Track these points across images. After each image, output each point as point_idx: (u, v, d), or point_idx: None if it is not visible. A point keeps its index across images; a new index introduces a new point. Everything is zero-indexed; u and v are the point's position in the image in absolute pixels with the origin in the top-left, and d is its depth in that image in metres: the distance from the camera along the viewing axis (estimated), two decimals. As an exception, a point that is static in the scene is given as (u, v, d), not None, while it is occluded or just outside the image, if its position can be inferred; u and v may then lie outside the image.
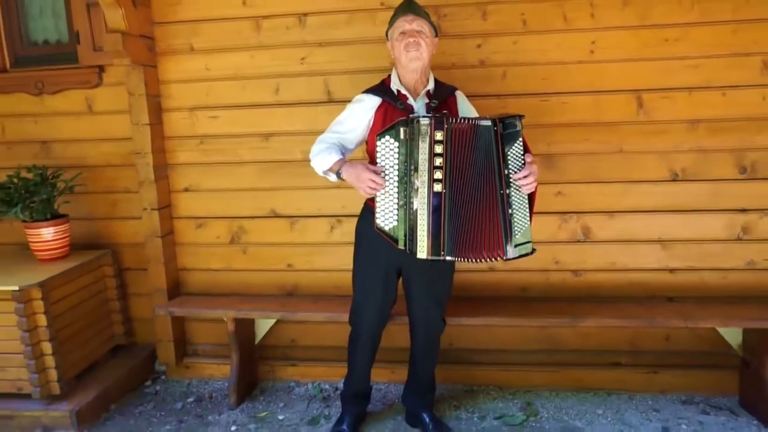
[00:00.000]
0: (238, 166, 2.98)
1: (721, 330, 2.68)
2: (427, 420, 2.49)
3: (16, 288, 2.53)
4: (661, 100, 2.65)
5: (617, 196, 2.74)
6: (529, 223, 2.05)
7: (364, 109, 2.22)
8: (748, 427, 2.50)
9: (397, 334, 2.73)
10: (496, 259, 2.03)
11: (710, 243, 2.73)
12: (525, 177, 2.00)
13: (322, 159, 2.19)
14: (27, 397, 2.67)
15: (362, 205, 2.36)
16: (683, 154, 2.68)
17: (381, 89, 2.23)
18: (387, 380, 2.94)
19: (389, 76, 2.25)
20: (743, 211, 2.68)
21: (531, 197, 2.07)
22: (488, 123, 1.99)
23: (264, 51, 2.86)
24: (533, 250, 2.06)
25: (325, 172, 2.21)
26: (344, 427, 2.50)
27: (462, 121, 2.02)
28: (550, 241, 2.82)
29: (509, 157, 2.00)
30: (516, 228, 2.01)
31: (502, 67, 2.71)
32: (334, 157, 2.17)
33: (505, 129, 1.99)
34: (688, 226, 2.72)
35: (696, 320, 2.54)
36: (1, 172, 3.05)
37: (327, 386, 2.99)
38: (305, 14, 2.80)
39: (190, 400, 2.94)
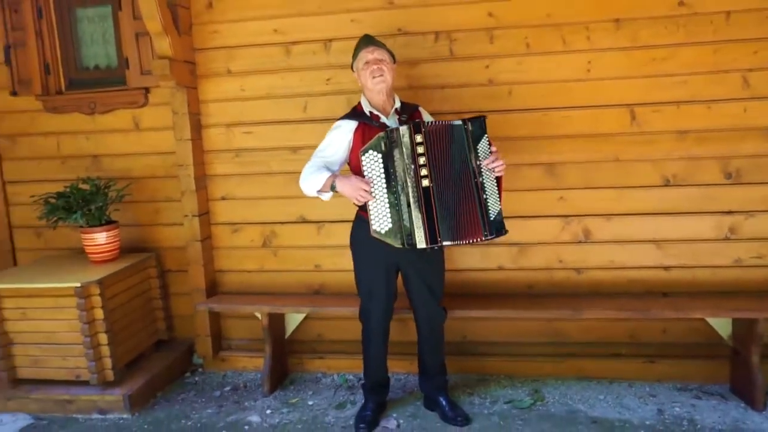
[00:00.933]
0: (270, 176, 3.30)
1: (712, 322, 2.92)
2: (444, 403, 2.76)
3: (78, 284, 2.86)
4: (652, 113, 2.93)
5: (614, 200, 3.01)
6: (500, 206, 2.41)
7: (343, 133, 2.55)
8: (736, 409, 2.74)
9: (413, 328, 3.00)
10: (480, 240, 2.37)
11: (701, 242, 2.99)
12: (494, 161, 2.37)
13: (314, 180, 2.49)
14: (85, 383, 2.99)
15: (354, 216, 2.66)
16: (674, 161, 2.95)
17: (355, 114, 2.57)
18: (406, 371, 3.21)
19: (359, 103, 2.59)
20: (730, 213, 2.95)
21: (499, 184, 2.42)
22: (459, 123, 2.38)
23: (293, 73, 3.19)
24: (506, 231, 2.42)
25: (318, 192, 2.50)
26: (368, 412, 2.77)
27: (436, 123, 2.38)
28: (553, 242, 3.09)
29: (479, 150, 2.36)
30: (491, 211, 2.37)
31: (508, 86, 3.02)
32: (325, 174, 2.48)
33: (474, 127, 2.36)
34: (680, 227, 2.99)
35: (687, 311, 2.80)
36: (57, 184, 3.39)
37: (351, 377, 3.27)
38: (330, 40, 3.14)
39: (227, 388, 3.24)
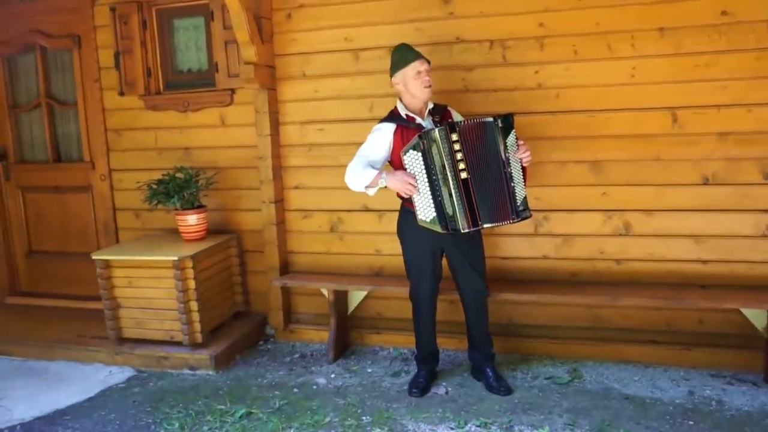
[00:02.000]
0: (338, 169, 3.65)
1: (748, 313, 3.09)
2: (489, 373, 3.08)
3: (176, 258, 3.35)
4: (693, 116, 3.13)
5: (655, 196, 3.23)
6: (525, 193, 2.77)
7: (383, 135, 2.89)
8: (766, 395, 2.92)
9: (461, 309, 3.30)
10: (510, 221, 2.75)
11: (738, 239, 3.16)
12: (524, 152, 2.72)
13: (363, 176, 2.82)
14: (178, 344, 3.48)
15: (399, 208, 3.01)
16: (713, 161, 3.14)
17: (392, 117, 2.91)
18: (455, 348, 3.52)
19: (396, 107, 2.93)
20: (767, 211, 3.11)
21: (525, 175, 2.77)
22: (491, 120, 2.71)
23: (361, 76, 3.57)
24: (530, 215, 2.79)
25: (366, 188, 2.84)
26: (421, 379, 3.13)
27: (469, 121, 2.71)
28: (596, 234, 3.34)
29: (508, 143, 2.69)
30: (517, 197, 2.73)
31: (556, 89, 3.28)
32: (372, 171, 2.82)
33: (503, 123, 2.69)
34: (718, 223, 3.17)
35: (721, 302, 3.00)
36: (154, 172, 3.90)
37: (405, 351, 3.62)
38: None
39: (296, 356, 3.67)
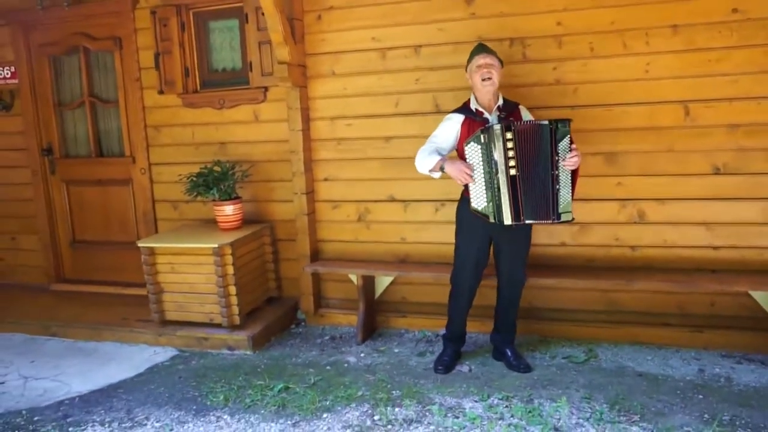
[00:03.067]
0: (365, 161, 3.91)
1: (758, 297, 3.25)
2: (509, 353, 3.28)
3: (216, 245, 3.59)
4: (705, 109, 3.29)
5: (668, 186, 3.39)
6: (570, 197, 2.90)
7: (452, 124, 3.10)
8: (773, 373, 3.09)
9: (488, 295, 3.51)
10: (550, 222, 2.91)
11: (748, 225, 3.32)
12: (572, 157, 2.84)
13: (428, 161, 3.05)
14: (218, 326, 3.73)
15: (459, 195, 3.20)
16: (724, 152, 3.30)
17: (463, 109, 3.11)
18: (477, 330, 3.70)
19: (469, 99, 3.12)
20: (776, 199, 3.27)
21: (574, 179, 2.89)
22: (546, 123, 2.86)
23: (388, 74, 3.78)
24: (572, 219, 2.93)
25: (430, 171, 3.06)
26: (446, 357, 3.33)
27: (525, 122, 2.91)
28: (611, 222, 3.52)
29: (560, 148, 2.83)
30: (561, 200, 2.87)
31: (574, 85, 3.46)
32: (436, 157, 3.03)
33: (558, 127, 2.84)
34: (729, 211, 3.33)
35: (730, 285, 3.18)
36: (191, 166, 4.14)
37: (430, 333, 3.83)
38: (420, 46, 3.69)
39: (326, 338, 3.90)
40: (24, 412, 3.06)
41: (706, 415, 2.66)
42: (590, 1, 3.37)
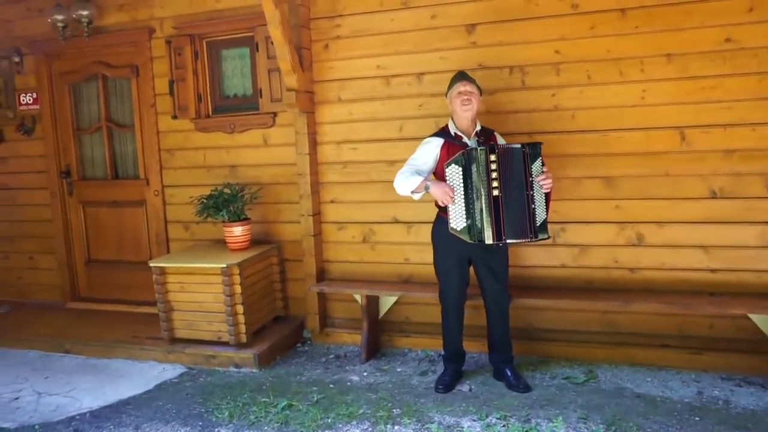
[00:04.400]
0: (370, 184, 4.03)
1: (756, 320, 3.28)
2: (509, 373, 3.34)
3: (224, 265, 3.71)
4: (700, 134, 3.37)
5: (665, 209, 3.46)
6: (545, 216, 3.02)
7: (432, 148, 3.22)
8: (772, 396, 3.11)
9: (483, 314, 3.56)
10: (529, 240, 3.03)
11: (745, 249, 3.37)
12: (545, 179, 2.97)
13: (410, 182, 3.15)
14: (225, 343, 3.83)
15: (435, 217, 3.31)
16: (720, 176, 3.36)
17: (443, 133, 3.24)
18: (479, 351, 3.75)
19: (447, 124, 3.25)
20: (773, 223, 3.32)
21: (548, 200, 3.01)
22: (519, 146, 3.00)
23: (392, 100, 3.91)
24: (548, 237, 3.05)
25: (412, 192, 3.16)
26: (446, 377, 3.40)
27: (504, 146, 3.05)
28: (610, 245, 3.58)
29: (533, 169, 2.96)
30: (537, 219, 2.97)
31: (572, 111, 3.56)
32: (419, 178, 3.14)
33: (531, 150, 2.97)
34: (726, 235, 3.38)
35: (729, 307, 3.22)
36: (203, 188, 4.28)
37: (432, 353, 3.90)
38: (422, 74, 3.83)
39: (331, 356, 3.98)
40: (37, 427, 3.16)
41: (701, 437, 2.70)
42: (587, 30, 3.48)
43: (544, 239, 3.06)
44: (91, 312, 4.81)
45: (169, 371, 3.82)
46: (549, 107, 3.60)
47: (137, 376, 3.78)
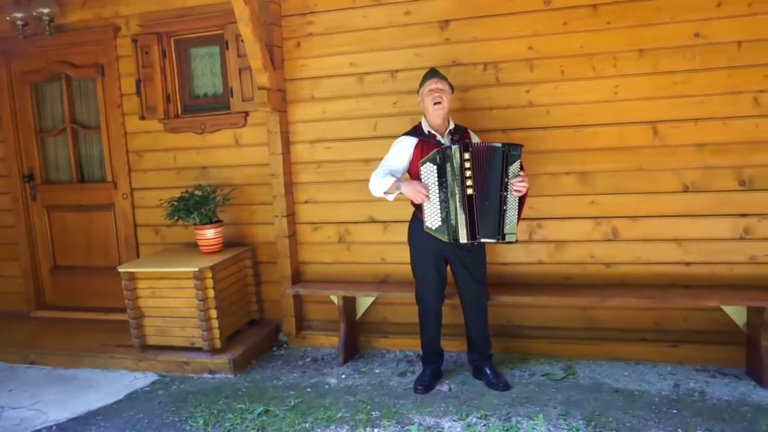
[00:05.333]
0: (345, 184, 3.96)
1: (729, 311, 3.31)
2: (488, 372, 3.31)
3: (196, 269, 3.61)
4: (672, 129, 3.39)
5: (639, 204, 3.48)
6: (516, 219, 3.00)
7: (405, 148, 3.19)
8: (746, 386, 3.13)
9: (461, 313, 3.54)
10: (495, 241, 3.00)
11: (718, 241, 3.41)
12: (520, 182, 2.94)
13: (383, 183, 3.11)
14: (198, 349, 3.73)
15: (411, 216, 3.27)
16: (692, 170, 3.40)
17: (416, 132, 3.20)
18: (458, 350, 3.72)
19: (420, 123, 3.21)
20: (744, 215, 3.35)
21: (521, 204, 2.99)
22: (500, 146, 2.95)
23: (366, 98, 3.86)
24: (516, 241, 3.04)
25: (386, 193, 3.12)
26: (425, 377, 3.36)
27: (480, 144, 2.99)
28: (586, 240, 3.59)
29: (510, 171, 2.92)
30: (507, 221, 2.96)
31: (546, 107, 3.55)
32: (391, 179, 3.10)
33: (510, 151, 2.93)
34: (699, 228, 3.42)
35: (702, 300, 3.25)
36: (173, 190, 4.16)
37: (411, 353, 3.85)
38: (396, 71, 3.78)
39: (308, 359, 3.91)
40: (0, 441, 3.03)
41: (679, 430, 2.71)
42: (560, 26, 3.48)
43: (512, 242, 3.05)
44: (58, 320, 4.65)
45: (141, 380, 3.70)
46: (524, 103, 3.59)
47: (107, 385, 3.65)
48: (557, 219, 3.61)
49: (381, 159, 3.80)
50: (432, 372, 3.39)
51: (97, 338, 4.17)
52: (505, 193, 2.96)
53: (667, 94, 3.38)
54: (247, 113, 4.11)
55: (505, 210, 2.97)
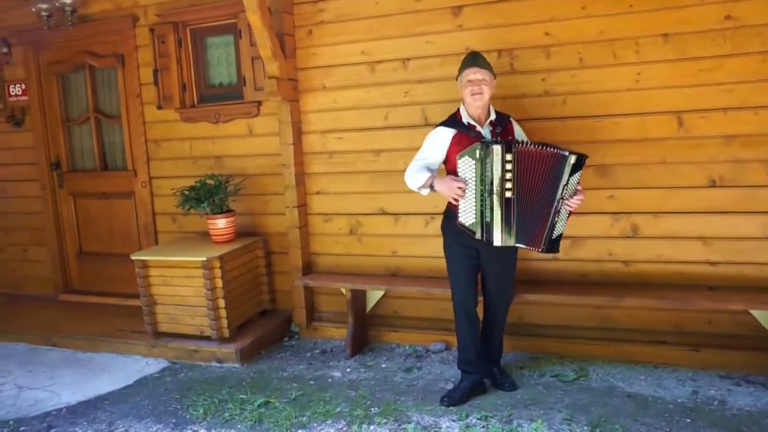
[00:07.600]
0: (356, 174, 3.90)
1: (757, 315, 3.10)
2: (495, 371, 3.19)
3: (205, 259, 3.62)
4: (699, 119, 3.17)
5: (661, 199, 3.27)
6: (563, 230, 2.83)
7: (440, 140, 2.96)
8: (772, 396, 2.93)
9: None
10: (537, 250, 2.83)
11: (747, 240, 3.17)
12: (577, 198, 2.76)
13: (416, 178, 2.96)
14: (207, 338, 3.75)
15: (445, 208, 3.11)
16: (720, 164, 3.17)
17: (453, 122, 2.97)
18: (468, 346, 3.66)
19: (458, 111, 2.99)
20: (776, 213, 3.12)
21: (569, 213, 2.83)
22: (566, 153, 2.68)
23: (377, 87, 3.76)
24: (558, 251, 2.88)
25: (419, 188, 2.98)
26: (457, 392, 3.02)
27: (530, 146, 2.75)
28: (604, 236, 3.41)
29: (570, 183, 2.72)
30: (555, 233, 2.79)
31: (563, 96, 3.38)
32: (426, 174, 2.94)
33: (575, 162, 2.69)
34: (726, 225, 3.19)
35: (729, 302, 3.03)
36: (189, 179, 4.19)
37: (420, 348, 3.77)
38: (408, 59, 3.67)
39: (317, 351, 3.88)
40: (11, 422, 3.12)
41: (690, 441, 2.55)
42: (578, 10, 3.30)
43: (554, 252, 2.88)
44: (82, 305, 4.78)
45: (152, 366, 3.76)
46: (539, 92, 3.42)
47: (119, 370, 3.73)
48: (574, 214, 3.39)
49: (392, 150, 3.76)
50: (470, 384, 3.05)
51: (115, 323, 4.26)
52: (559, 206, 2.76)
53: (694, 81, 3.15)
54: (259, 103, 4.09)
55: (556, 222, 2.78)
